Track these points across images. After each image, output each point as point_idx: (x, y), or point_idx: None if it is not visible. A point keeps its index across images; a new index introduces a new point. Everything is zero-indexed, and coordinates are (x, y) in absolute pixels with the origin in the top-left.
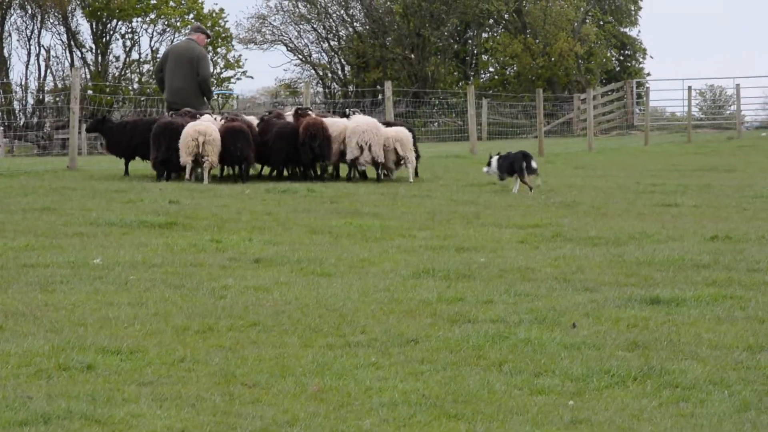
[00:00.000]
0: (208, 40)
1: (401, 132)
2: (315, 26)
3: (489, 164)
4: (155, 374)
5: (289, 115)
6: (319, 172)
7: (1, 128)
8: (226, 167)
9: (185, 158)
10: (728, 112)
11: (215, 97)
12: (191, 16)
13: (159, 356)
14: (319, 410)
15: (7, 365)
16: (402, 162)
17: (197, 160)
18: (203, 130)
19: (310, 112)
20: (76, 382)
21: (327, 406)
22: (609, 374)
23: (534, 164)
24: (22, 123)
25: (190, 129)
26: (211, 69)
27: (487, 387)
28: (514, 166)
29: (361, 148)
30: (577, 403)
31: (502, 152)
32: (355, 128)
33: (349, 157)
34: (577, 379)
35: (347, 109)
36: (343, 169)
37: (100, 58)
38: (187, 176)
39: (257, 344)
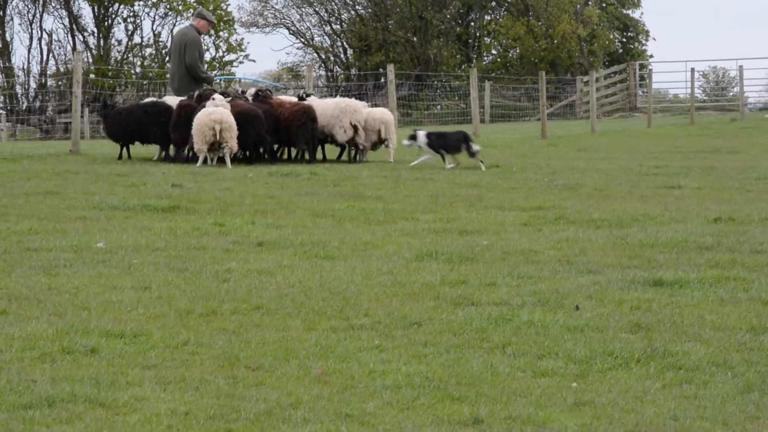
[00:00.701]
0: (211, 25)
1: (386, 114)
2: (317, 9)
3: (414, 138)
4: (159, 357)
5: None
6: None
7: (4, 112)
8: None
9: (201, 146)
10: (731, 93)
11: (217, 81)
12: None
13: (163, 339)
14: (322, 393)
15: (11, 349)
16: (384, 143)
17: (212, 148)
18: (219, 118)
19: (269, 93)
20: (80, 366)
21: (330, 388)
22: (612, 356)
23: (474, 147)
24: (24, 107)
25: (206, 118)
26: (201, 53)
27: (490, 369)
28: (456, 144)
29: (355, 128)
30: (580, 385)
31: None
32: (345, 108)
33: (343, 138)
34: (581, 361)
35: (302, 92)
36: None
37: (102, 41)
38: (199, 164)
39: (261, 327)
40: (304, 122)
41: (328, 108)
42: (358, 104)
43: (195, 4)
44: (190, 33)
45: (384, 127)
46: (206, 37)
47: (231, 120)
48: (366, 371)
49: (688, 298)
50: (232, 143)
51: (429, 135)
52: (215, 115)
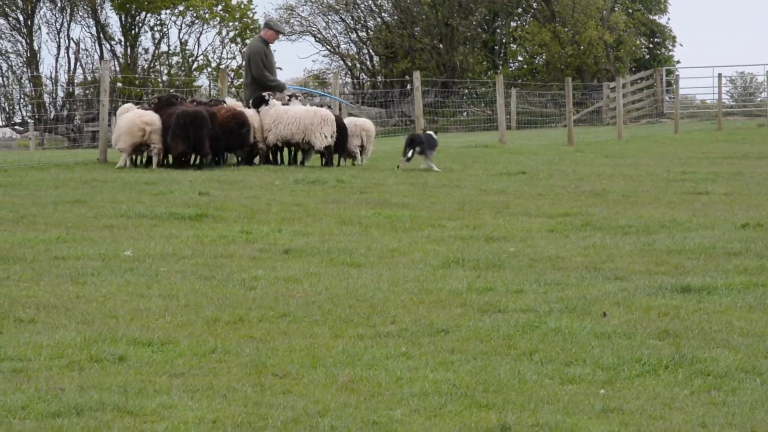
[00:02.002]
0: (279, 33)
1: (367, 123)
2: (343, 17)
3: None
4: (186, 365)
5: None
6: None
7: (32, 121)
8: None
9: (126, 147)
10: (759, 99)
11: (291, 92)
12: (219, 7)
13: (190, 347)
14: (349, 400)
15: (39, 357)
16: (362, 151)
17: (139, 149)
18: (149, 119)
19: (223, 103)
20: (108, 374)
21: (358, 396)
22: (640, 363)
23: (429, 152)
24: (52, 116)
25: (137, 119)
26: (265, 62)
27: (517, 376)
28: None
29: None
30: (608, 392)
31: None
32: (326, 117)
33: (321, 145)
34: (608, 368)
35: (287, 97)
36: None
37: (129, 50)
38: (120, 164)
39: (288, 335)
40: (232, 128)
41: (306, 115)
42: (332, 115)
43: (221, 11)
44: (254, 44)
45: (365, 135)
46: (233, 44)
47: (159, 122)
48: (393, 378)
49: (716, 305)
50: (159, 145)
51: None
52: (145, 117)
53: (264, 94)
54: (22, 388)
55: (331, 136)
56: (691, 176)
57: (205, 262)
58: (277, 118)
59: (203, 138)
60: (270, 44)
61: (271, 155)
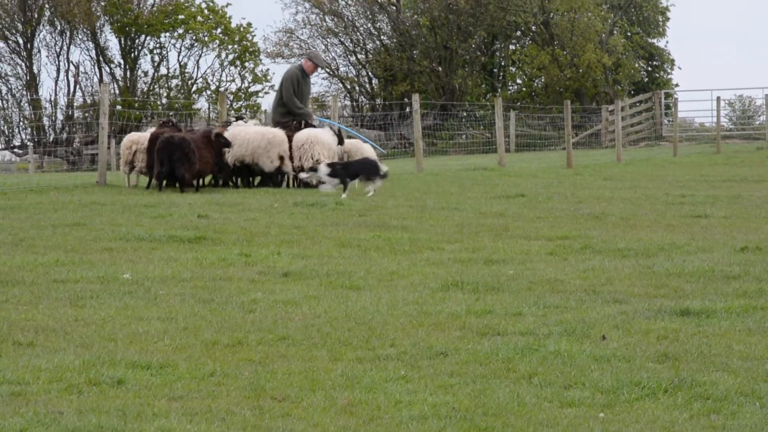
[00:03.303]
0: (317, 67)
1: (321, 136)
2: (342, 40)
3: (316, 170)
4: (185, 389)
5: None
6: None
7: (31, 144)
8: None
9: (123, 167)
10: (757, 122)
11: (318, 123)
12: (219, 31)
13: (189, 371)
14: (349, 424)
15: (38, 381)
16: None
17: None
18: (136, 139)
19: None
20: (106, 397)
21: (357, 419)
22: (639, 386)
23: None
24: (51, 139)
25: (126, 140)
26: (296, 90)
27: (517, 400)
28: (365, 170)
29: (282, 158)
30: (607, 416)
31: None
32: (272, 139)
33: (269, 168)
34: (608, 391)
35: (231, 118)
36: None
37: (128, 73)
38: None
39: (287, 358)
40: (150, 150)
41: (254, 138)
42: (284, 135)
43: (220, 35)
44: (291, 70)
45: (319, 149)
46: (232, 67)
47: (145, 142)
48: (392, 402)
49: (716, 328)
50: (140, 164)
51: (332, 165)
52: (133, 136)
53: (231, 117)
54: (21, 411)
55: (279, 159)
56: (690, 199)
57: (204, 284)
58: (232, 139)
59: (176, 162)
60: (308, 75)
61: (233, 178)
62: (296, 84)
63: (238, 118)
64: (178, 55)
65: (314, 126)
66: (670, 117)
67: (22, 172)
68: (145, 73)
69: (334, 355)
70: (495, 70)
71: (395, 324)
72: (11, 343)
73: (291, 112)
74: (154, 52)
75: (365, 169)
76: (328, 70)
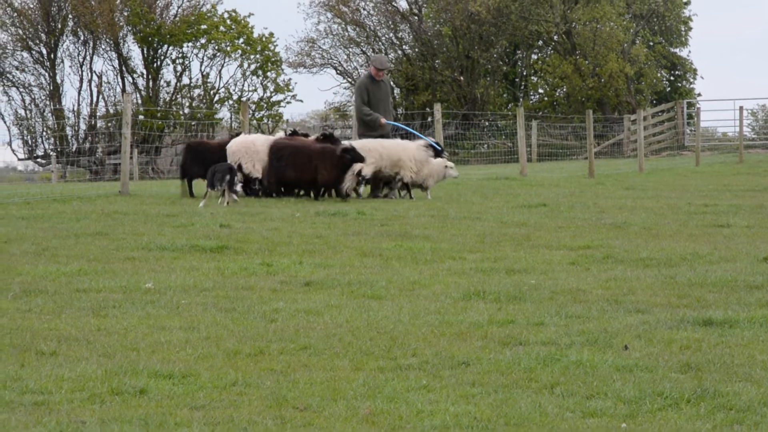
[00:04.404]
0: (380, 70)
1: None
2: (364, 49)
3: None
4: (207, 398)
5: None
6: None
7: (54, 154)
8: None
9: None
10: None
11: (388, 125)
12: (241, 40)
13: (211, 380)
14: None
15: (60, 390)
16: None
17: None
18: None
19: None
20: (129, 407)
21: (378, 429)
22: (662, 396)
23: (236, 181)
24: (74, 148)
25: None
26: (364, 97)
27: (539, 410)
28: (214, 178)
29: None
30: (630, 426)
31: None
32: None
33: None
34: (630, 401)
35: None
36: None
37: (151, 83)
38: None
39: (308, 367)
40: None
41: (231, 146)
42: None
43: (242, 44)
44: (360, 79)
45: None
46: (254, 77)
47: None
48: (414, 411)
49: (739, 338)
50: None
51: None
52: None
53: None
54: (44, 421)
55: (253, 167)
56: (713, 209)
57: (226, 294)
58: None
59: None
60: (378, 80)
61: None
62: (365, 93)
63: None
64: (201, 65)
65: (384, 136)
66: (692, 126)
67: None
68: (168, 83)
69: (356, 364)
70: (517, 80)
71: (417, 333)
72: (34, 353)
73: (361, 120)
74: (177, 62)
75: (218, 175)
76: (349, 79)
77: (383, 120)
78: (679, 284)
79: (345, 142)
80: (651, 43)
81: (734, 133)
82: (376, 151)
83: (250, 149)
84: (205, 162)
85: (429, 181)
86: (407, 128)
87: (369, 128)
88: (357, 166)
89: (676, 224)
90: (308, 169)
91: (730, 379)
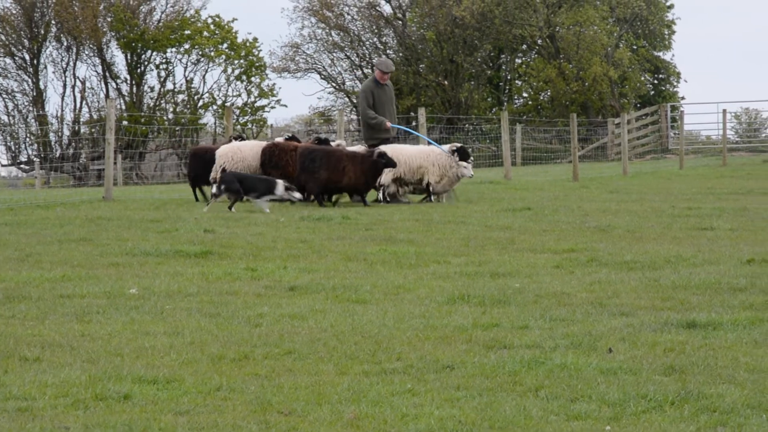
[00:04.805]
0: (385, 73)
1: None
2: (348, 54)
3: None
4: (192, 403)
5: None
6: None
7: (38, 160)
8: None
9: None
10: (763, 134)
11: (393, 129)
12: (225, 45)
13: (195, 385)
14: None
15: (44, 396)
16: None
17: None
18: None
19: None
20: (113, 412)
21: None
22: (646, 399)
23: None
24: (58, 154)
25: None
26: (369, 101)
27: (523, 413)
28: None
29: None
30: (614, 429)
31: None
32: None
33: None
34: (614, 404)
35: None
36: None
37: (134, 88)
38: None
39: (293, 372)
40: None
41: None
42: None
43: (226, 50)
44: (364, 84)
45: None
46: (238, 82)
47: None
48: (399, 415)
49: (722, 340)
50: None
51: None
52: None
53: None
54: (27, 427)
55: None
56: (696, 212)
57: (211, 299)
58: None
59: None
60: (383, 83)
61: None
62: (370, 96)
63: (237, 137)
64: (185, 71)
65: (389, 139)
66: (676, 130)
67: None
68: (152, 89)
69: (341, 368)
70: (501, 84)
71: (402, 338)
72: (18, 359)
73: (366, 124)
74: (161, 67)
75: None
76: (333, 84)
77: (388, 123)
78: (662, 287)
79: (380, 147)
80: (634, 47)
81: (718, 136)
82: (395, 159)
83: (236, 155)
84: (208, 168)
85: (451, 185)
86: (412, 131)
87: (374, 131)
88: (388, 174)
89: (660, 227)
90: (340, 172)
91: (714, 381)
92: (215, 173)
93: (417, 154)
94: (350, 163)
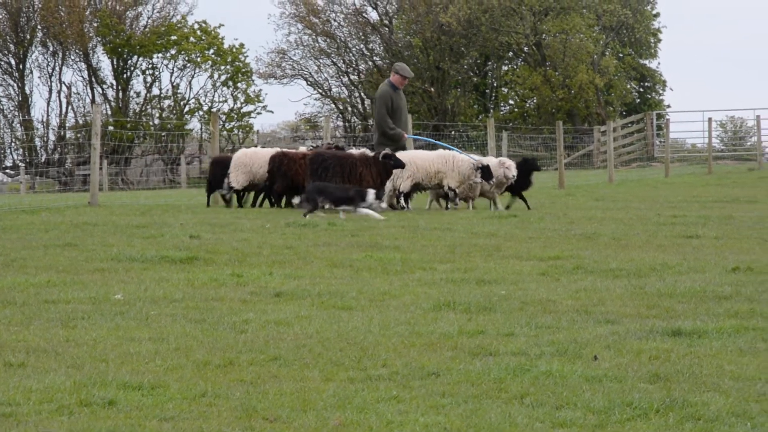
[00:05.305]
0: (406, 78)
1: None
2: (335, 60)
3: None
4: (176, 409)
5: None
6: None
7: (23, 165)
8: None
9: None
10: (749, 143)
11: (406, 140)
12: (211, 51)
13: (180, 391)
14: None
15: (28, 401)
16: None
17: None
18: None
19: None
20: (97, 418)
21: None
22: (631, 407)
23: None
24: (43, 159)
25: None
26: (389, 108)
27: (508, 420)
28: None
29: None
30: None
31: None
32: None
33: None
34: (599, 411)
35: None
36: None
37: (120, 94)
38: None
39: (278, 378)
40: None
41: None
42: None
43: (212, 55)
44: (382, 89)
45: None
46: (225, 88)
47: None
48: (384, 422)
49: (707, 348)
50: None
51: None
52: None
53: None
54: None
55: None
56: (682, 220)
57: (196, 305)
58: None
59: None
60: (399, 89)
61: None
62: (390, 103)
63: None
64: (171, 76)
65: (404, 147)
66: (661, 138)
67: (13, 192)
68: (138, 94)
69: (326, 375)
70: (487, 91)
71: (387, 344)
72: (2, 364)
73: (382, 132)
74: (147, 72)
75: None
76: (320, 90)
77: (405, 136)
78: (648, 295)
79: (386, 149)
80: (620, 55)
81: (703, 145)
82: (412, 163)
83: (238, 161)
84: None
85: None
86: (433, 141)
87: (390, 141)
88: (405, 178)
89: (645, 235)
90: (354, 177)
91: (699, 389)
92: (228, 179)
93: (436, 159)
94: (365, 167)
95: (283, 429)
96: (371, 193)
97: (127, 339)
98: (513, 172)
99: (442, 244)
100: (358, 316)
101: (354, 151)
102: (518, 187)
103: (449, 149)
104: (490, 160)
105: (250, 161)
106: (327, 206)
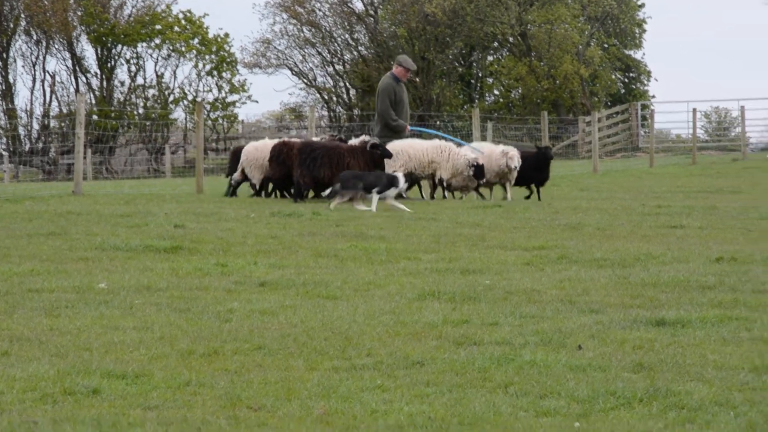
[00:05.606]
0: (410, 71)
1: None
2: (320, 50)
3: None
4: (161, 398)
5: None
6: None
7: (7, 154)
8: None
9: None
10: (733, 134)
11: (411, 131)
12: (196, 41)
13: (164, 380)
14: None
15: (12, 390)
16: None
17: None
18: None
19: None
20: (81, 407)
21: (333, 429)
22: (615, 396)
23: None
24: (27, 148)
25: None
26: (392, 100)
27: (492, 409)
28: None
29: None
30: (583, 425)
31: None
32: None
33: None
34: (583, 400)
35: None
36: None
37: (105, 83)
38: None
39: (263, 367)
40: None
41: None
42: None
43: (197, 44)
44: (385, 81)
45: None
46: (209, 77)
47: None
48: (368, 411)
49: (691, 338)
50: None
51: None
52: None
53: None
54: None
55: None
56: (666, 210)
57: (180, 294)
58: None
59: None
60: (401, 81)
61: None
62: (393, 95)
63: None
64: (155, 65)
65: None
66: (646, 128)
67: None
68: (122, 83)
69: (311, 364)
70: (472, 81)
71: (372, 333)
72: None
73: (385, 124)
74: (131, 62)
75: None
76: (305, 80)
77: (408, 127)
78: (632, 284)
79: (373, 138)
80: (605, 45)
81: (687, 135)
82: (404, 153)
83: (250, 155)
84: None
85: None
86: (434, 131)
87: (392, 132)
88: (398, 167)
89: (629, 225)
90: (342, 167)
91: (682, 378)
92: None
93: (430, 148)
94: (352, 158)
95: (268, 418)
96: (401, 178)
97: (112, 328)
98: (516, 162)
99: (427, 233)
100: (342, 306)
101: (354, 140)
102: (538, 179)
103: (455, 141)
104: (493, 150)
105: (261, 155)
106: (361, 194)
